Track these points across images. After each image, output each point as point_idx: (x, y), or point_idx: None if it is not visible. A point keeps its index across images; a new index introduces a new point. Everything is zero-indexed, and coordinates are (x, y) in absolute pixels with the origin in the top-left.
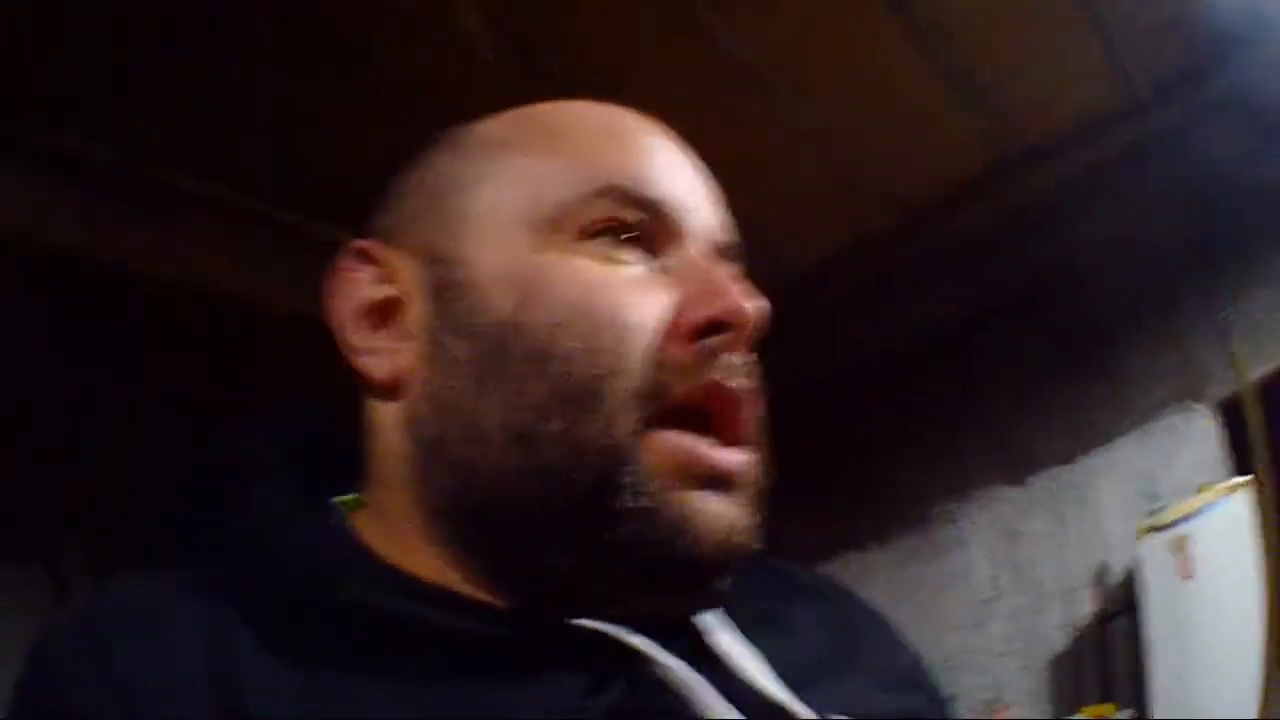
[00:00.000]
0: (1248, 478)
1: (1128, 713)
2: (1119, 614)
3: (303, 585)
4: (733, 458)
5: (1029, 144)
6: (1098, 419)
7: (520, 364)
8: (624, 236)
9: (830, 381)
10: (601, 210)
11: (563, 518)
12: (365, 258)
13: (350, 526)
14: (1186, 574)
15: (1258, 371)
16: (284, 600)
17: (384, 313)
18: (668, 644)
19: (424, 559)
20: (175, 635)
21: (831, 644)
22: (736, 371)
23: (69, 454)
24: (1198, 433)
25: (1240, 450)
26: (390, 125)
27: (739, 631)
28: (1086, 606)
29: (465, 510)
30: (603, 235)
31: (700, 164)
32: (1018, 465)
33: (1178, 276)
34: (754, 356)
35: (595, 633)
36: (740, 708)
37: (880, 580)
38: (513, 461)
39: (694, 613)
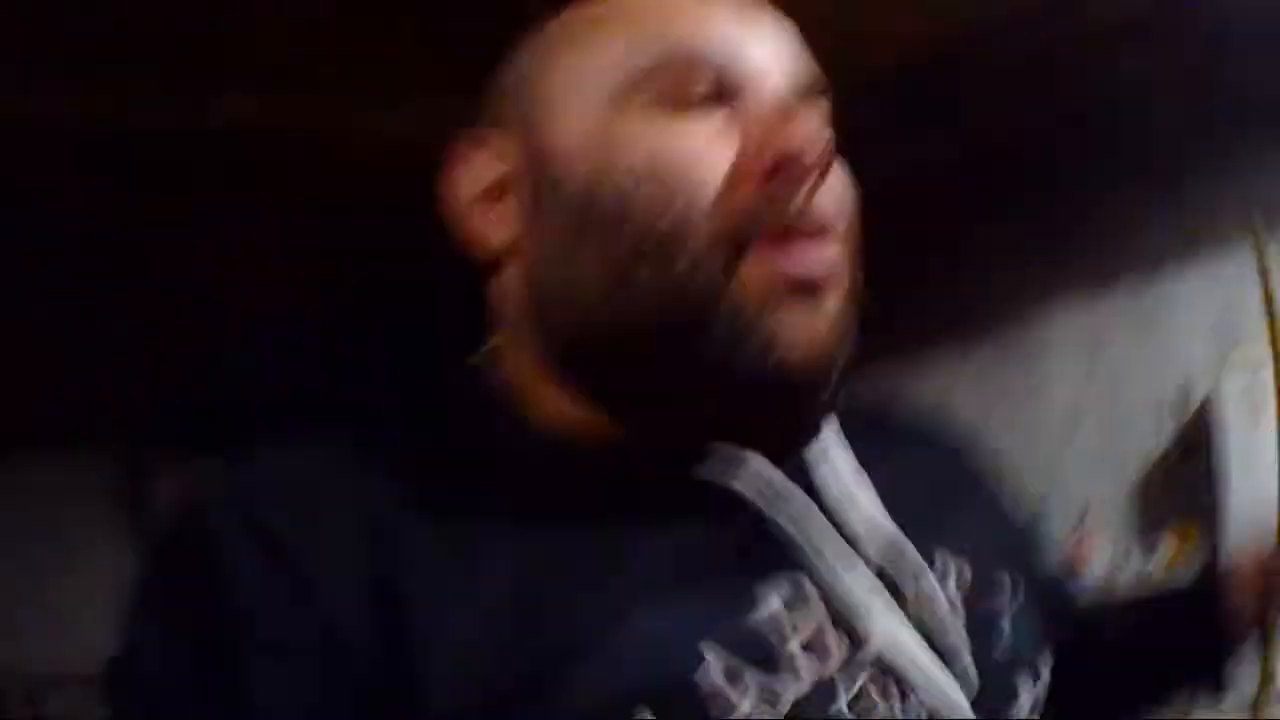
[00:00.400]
0: None
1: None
2: (1197, 446)
3: (456, 442)
4: (818, 259)
5: None
6: (1174, 239)
7: (604, 224)
8: (695, 94)
9: (909, 186)
10: (672, 72)
11: (665, 354)
12: (476, 143)
13: (496, 378)
14: (1258, 424)
15: None
16: (431, 458)
17: (495, 190)
18: (788, 467)
19: (557, 404)
20: (330, 507)
21: (943, 487)
22: (818, 198)
23: (142, 341)
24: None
25: None
26: None
27: (852, 455)
28: (1171, 427)
29: (582, 356)
30: (673, 97)
31: (778, 15)
32: (1100, 276)
33: (1246, 110)
34: (832, 161)
35: (714, 476)
36: (850, 538)
37: (964, 389)
38: (612, 308)
39: (810, 429)
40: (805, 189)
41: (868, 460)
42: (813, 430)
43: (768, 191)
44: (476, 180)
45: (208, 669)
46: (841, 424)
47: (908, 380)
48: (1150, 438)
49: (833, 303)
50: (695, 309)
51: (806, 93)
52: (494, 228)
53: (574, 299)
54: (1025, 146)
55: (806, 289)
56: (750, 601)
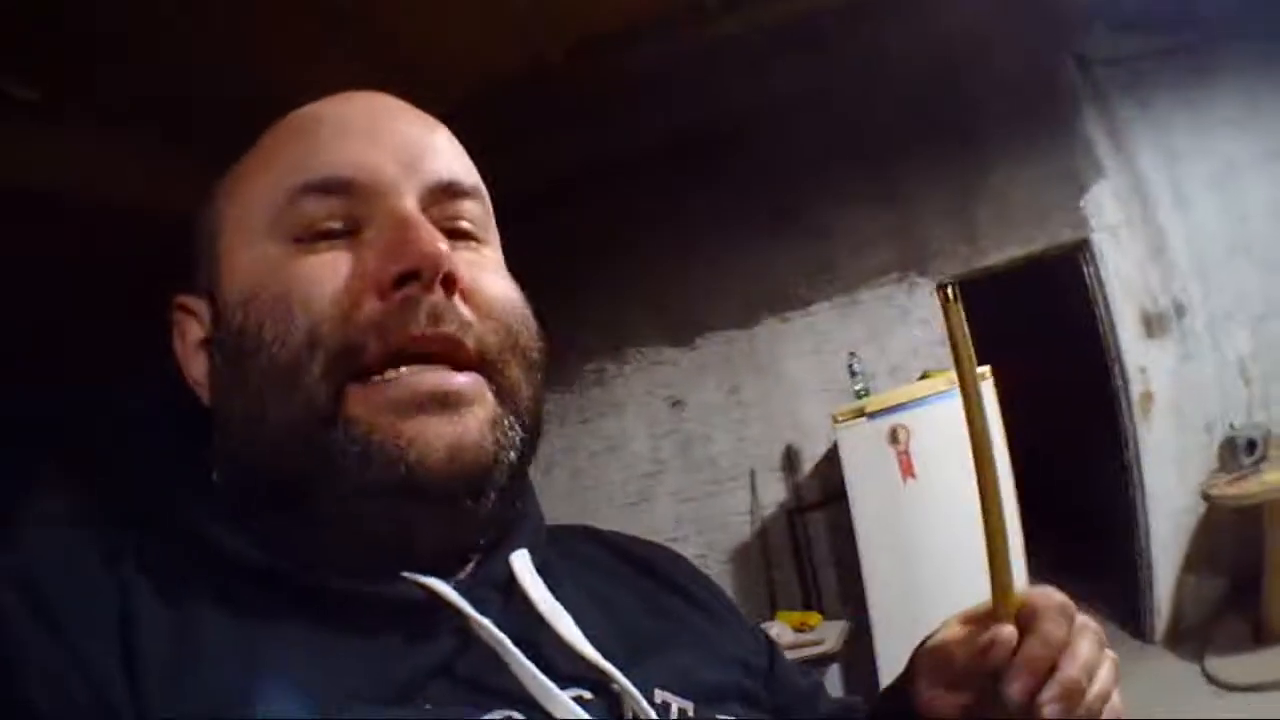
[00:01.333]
0: (984, 367)
1: (840, 624)
2: (813, 508)
3: (192, 548)
4: (449, 379)
5: None
6: (791, 280)
7: (245, 360)
8: (324, 227)
9: None
10: (303, 208)
11: (305, 478)
12: (183, 309)
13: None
14: (906, 471)
15: (1002, 256)
16: (173, 556)
17: (201, 348)
18: (488, 600)
19: (269, 526)
20: (88, 586)
21: (657, 621)
22: (441, 316)
23: None
24: (918, 309)
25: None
26: None
27: (559, 590)
28: (773, 493)
29: (253, 490)
30: (305, 232)
31: (424, 121)
32: (685, 324)
33: (908, 141)
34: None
35: (419, 588)
36: (554, 666)
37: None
38: (254, 446)
39: (482, 536)
40: (424, 308)
41: (583, 587)
42: (486, 536)
43: (387, 306)
44: (187, 336)
45: None
46: (564, 549)
47: None
48: (737, 498)
49: (478, 414)
50: (314, 432)
51: (448, 195)
52: (200, 385)
53: (231, 446)
54: (602, 174)
55: (441, 403)
56: None
